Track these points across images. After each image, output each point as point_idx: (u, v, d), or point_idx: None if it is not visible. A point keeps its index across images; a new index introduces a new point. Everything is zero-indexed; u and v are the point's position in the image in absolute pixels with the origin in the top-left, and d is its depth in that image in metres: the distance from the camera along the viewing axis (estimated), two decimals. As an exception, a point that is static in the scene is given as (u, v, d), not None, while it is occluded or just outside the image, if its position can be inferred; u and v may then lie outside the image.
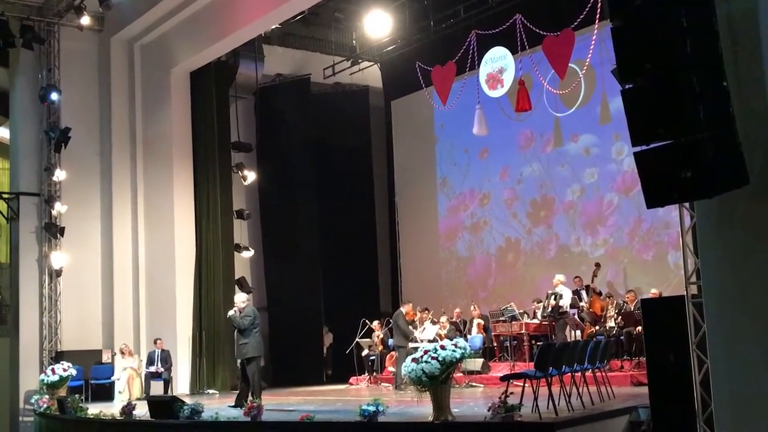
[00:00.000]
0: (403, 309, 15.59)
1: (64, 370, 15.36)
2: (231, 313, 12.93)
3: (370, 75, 21.50)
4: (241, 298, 13.24)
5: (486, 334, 16.69)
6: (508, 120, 17.27)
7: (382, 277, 21.55)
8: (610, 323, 14.55)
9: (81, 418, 13.07)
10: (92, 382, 17.16)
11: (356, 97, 21.75)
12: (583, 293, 15.44)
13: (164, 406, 11.56)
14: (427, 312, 16.91)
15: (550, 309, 15.20)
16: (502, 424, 8.06)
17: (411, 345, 14.90)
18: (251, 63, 19.34)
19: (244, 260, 19.44)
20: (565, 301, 15.03)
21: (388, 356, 17.40)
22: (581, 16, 14.33)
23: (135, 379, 16.87)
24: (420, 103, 19.56)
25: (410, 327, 15.49)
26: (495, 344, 16.47)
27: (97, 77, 19.25)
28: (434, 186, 20.29)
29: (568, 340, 14.25)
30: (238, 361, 13.19)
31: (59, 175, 18.29)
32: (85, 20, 18.04)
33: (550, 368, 9.23)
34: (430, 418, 8.64)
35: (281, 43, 21.09)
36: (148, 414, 11.80)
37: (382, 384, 16.78)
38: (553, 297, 15.19)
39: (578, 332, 14.92)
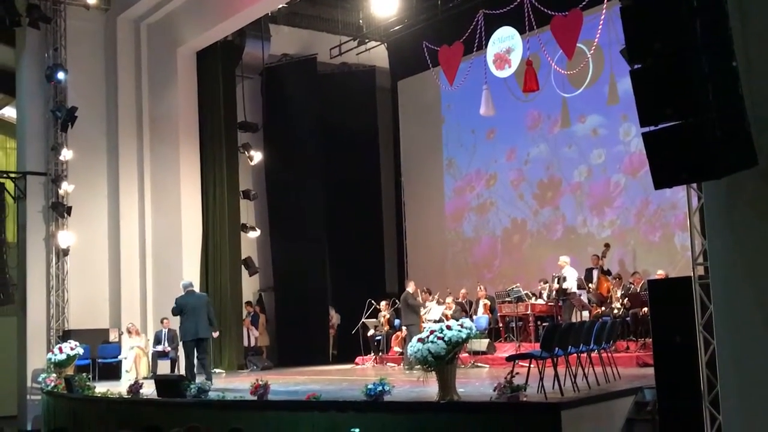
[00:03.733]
0: (410, 288, 15.61)
1: (72, 349, 15.47)
2: None
3: (377, 55, 21.40)
4: (181, 285, 13.55)
5: (492, 314, 16.72)
6: (516, 100, 17.20)
7: (388, 257, 21.56)
8: (617, 304, 14.55)
9: (88, 396, 13.18)
10: (99, 361, 17.25)
11: (363, 77, 21.68)
12: (594, 273, 15.43)
13: (171, 385, 11.65)
14: (428, 294, 16.92)
15: (554, 293, 15.24)
16: (508, 404, 8.10)
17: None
18: (257, 43, 19.29)
19: (250, 240, 19.47)
20: (570, 283, 15.04)
21: (393, 336, 17.46)
22: (590, -4, 14.25)
23: (142, 358, 16.97)
24: (427, 84, 19.50)
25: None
26: (501, 325, 16.51)
27: (104, 56, 19.21)
28: (441, 167, 20.25)
29: (574, 321, 14.26)
30: None
31: (66, 154, 18.29)
32: (92, -1, 18.04)
33: (556, 349, 9.25)
34: (436, 398, 8.68)
35: (288, 23, 21.02)
36: (155, 393, 11.88)
37: (388, 364, 16.84)
38: (556, 280, 15.22)
39: (585, 313, 14.94)
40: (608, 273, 15.29)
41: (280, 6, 18.81)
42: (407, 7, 18.58)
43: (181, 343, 14.08)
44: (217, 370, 17.54)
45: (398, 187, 21.31)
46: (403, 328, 15.86)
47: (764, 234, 6.34)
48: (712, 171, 6.08)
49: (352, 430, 8.54)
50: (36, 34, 18.34)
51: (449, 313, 15.94)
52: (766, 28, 6.28)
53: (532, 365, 9.17)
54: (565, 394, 8.73)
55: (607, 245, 15.57)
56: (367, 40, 20.84)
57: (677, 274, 13.14)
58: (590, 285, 15.23)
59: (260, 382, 10.40)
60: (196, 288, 17.79)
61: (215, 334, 13.99)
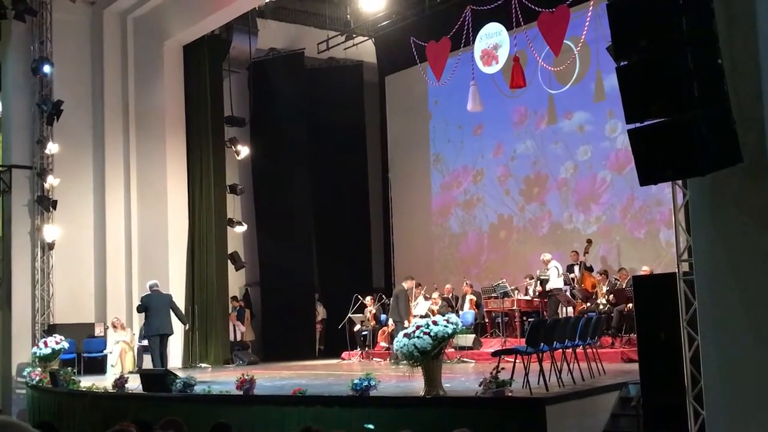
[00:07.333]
0: (405, 285, 15.60)
1: (57, 343, 15.40)
2: None
3: (365, 50, 21.39)
4: (147, 285, 13.80)
5: (478, 310, 16.75)
6: (503, 96, 17.24)
7: (374, 252, 21.57)
8: (602, 300, 14.61)
9: (73, 390, 13.12)
10: (85, 355, 17.19)
11: (350, 73, 21.65)
12: (576, 269, 15.49)
13: (157, 380, 11.63)
14: (419, 287, 16.95)
15: (537, 294, 15.30)
16: (493, 399, 8.13)
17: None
18: (245, 37, 19.22)
19: (237, 235, 19.43)
20: (553, 282, 15.08)
21: (380, 331, 17.47)
22: (577, -7, 14.29)
23: (127, 353, 16.88)
24: (414, 79, 19.49)
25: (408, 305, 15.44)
26: (487, 320, 16.55)
27: (90, 50, 19.10)
28: (428, 162, 20.27)
29: (560, 316, 14.31)
30: None
31: (52, 148, 18.20)
32: (78, -8, 17.92)
33: (541, 344, 9.30)
34: (422, 393, 8.70)
35: (275, 17, 20.96)
36: (141, 387, 11.85)
37: (374, 359, 16.85)
38: (539, 282, 15.28)
39: (569, 309, 14.99)
40: (590, 269, 15.35)
41: (268, 0, 18.75)
42: (395, 3, 18.57)
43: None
44: (203, 365, 17.54)
45: (385, 182, 21.31)
46: (390, 321, 15.90)
47: (748, 230, 6.37)
48: (697, 168, 6.11)
49: (367, 426, 8.48)
50: (22, 27, 18.21)
51: (435, 308, 15.96)
52: (752, 25, 6.31)
53: (517, 360, 9.20)
54: (550, 389, 8.77)
55: (589, 241, 15.64)
56: (354, 35, 20.83)
57: (662, 270, 13.20)
58: (573, 276, 15.30)
59: (246, 377, 10.39)
60: (182, 282, 17.95)
61: (186, 327, 14.97)
